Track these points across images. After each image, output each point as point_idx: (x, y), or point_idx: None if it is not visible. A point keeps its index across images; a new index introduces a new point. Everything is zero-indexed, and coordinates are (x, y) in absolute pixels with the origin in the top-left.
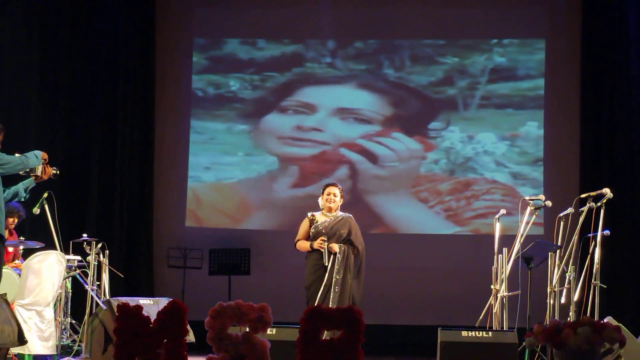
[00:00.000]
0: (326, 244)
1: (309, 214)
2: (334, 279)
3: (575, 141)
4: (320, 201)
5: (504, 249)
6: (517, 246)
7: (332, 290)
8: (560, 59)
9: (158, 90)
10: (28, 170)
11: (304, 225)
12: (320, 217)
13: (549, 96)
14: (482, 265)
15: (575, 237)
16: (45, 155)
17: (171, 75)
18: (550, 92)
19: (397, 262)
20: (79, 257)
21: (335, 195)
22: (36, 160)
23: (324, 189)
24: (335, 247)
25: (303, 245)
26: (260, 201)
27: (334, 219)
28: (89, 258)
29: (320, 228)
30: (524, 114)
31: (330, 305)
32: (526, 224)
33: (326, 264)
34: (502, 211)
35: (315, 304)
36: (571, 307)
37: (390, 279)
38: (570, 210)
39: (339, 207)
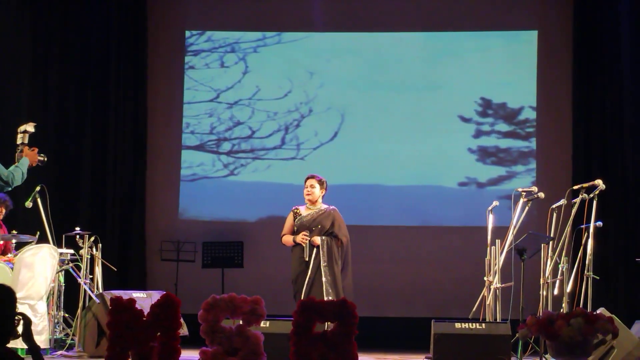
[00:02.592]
0: (308, 238)
1: (294, 208)
2: (321, 271)
3: (567, 133)
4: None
5: (496, 240)
6: (510, 238)
7: (317, 282)
8: (552, 51)
9: (150, 81)
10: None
11: (289, 219)
12: (304, 210)
13: (540, 88)
14: (475, 257)
15: (567, 229)
16: (35, 150)
17: (164, 66)
18: (541, 84)
19: (389, 253)
20: (71, 251)
21: (312, 187)
22: (22, 176)
23: (305, 181)
24: (317, 239)
25: (287, 239)
26: (253, 193)
27: (317, 212)
28: (81, 251)
29: (304, 221)
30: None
31: (324, 297)
32: (519, 215)
33: (306, 259)
34: (495, 203)
35: (302, 298)
36: (564, 298)
37: (382, 271)
38: (562, 201)
39: (320, 199)
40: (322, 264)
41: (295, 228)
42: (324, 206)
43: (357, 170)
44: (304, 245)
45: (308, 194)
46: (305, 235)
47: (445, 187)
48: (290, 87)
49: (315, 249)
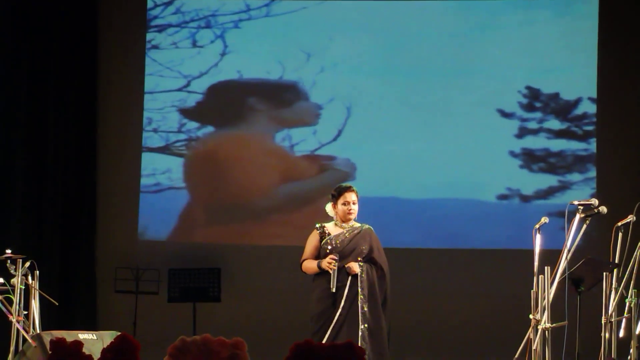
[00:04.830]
0: (336, 263)
1: (318, 225)
2: (357, 310)
3: (636, 131)
4: (330, 210)
5: (546, 267)
6: (563, 264)
7: (351, 323)
8: (619, 26)
9: (102, 64)
10: None
11: (312, 239)
12: (333, 229)
13: (602, 75)
14: (518, 289)
15: (637, 253)
16: None
17: (119, 45)
18: (604, 70)
19: (406, 284)
20: (0, 280)
21: (354, 203)
22: None
23: (338, 195)
24: (355, 266)
25: (310, 265)
26: (233, 207)
27: (351, 231)
28: (13, 280)
29: (335, 243)
30: None
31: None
32: (574, 236)
33: (332, 289)
34: (543, 220)
35: (325, 340)
36: (632, 342)
37: (398, 307)
38: (631, 218)
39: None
40: (361, 298)
41: (322, 252)
42: (358, 224)
43: (368, 179)
44: (331, 272)
45: (349, 212)
46: (333, 258)
47: (481, 201)
48: (281, 72)
49: (349, 279)
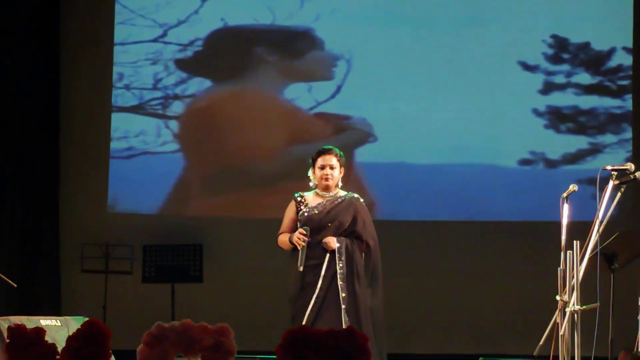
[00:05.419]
0: (306, 238)
1: (297, 195)
2: (337, 288)
3: None
4: (311, 175)
5: (575, 242)
6: (594, 238)
7: (330, 303)
8: None
9: (64, 12)
10: None
11: (289, 211)
12: (312, 199)
13: (637, 19)
14: (543, 266)
15: None
16: None
17: (83, 3)
18: None
19: (417, 261)
20: None
21: (332, 168)
22: None
23: (315, 158)
24: (332, 241)
25: (284, 239)
26: (218, 175)
27: (332, 201)
28: None
29: (312, 214)
30: None
31: (340, 325)
32: (607, 206)
33: (300, 269)
34: (572, 188)
35: (304, 323)
36: None
37: (407, 287)
38: None
39: (339, 184)
40: (339, 276)
41: (298, 224)
42: (342, 193)
43: (371, 142)
44: (300, 248)
45: (326, 178)
46: (302, 232)
47: (500, 167)
48: (271, 19)
49: (327, 255)
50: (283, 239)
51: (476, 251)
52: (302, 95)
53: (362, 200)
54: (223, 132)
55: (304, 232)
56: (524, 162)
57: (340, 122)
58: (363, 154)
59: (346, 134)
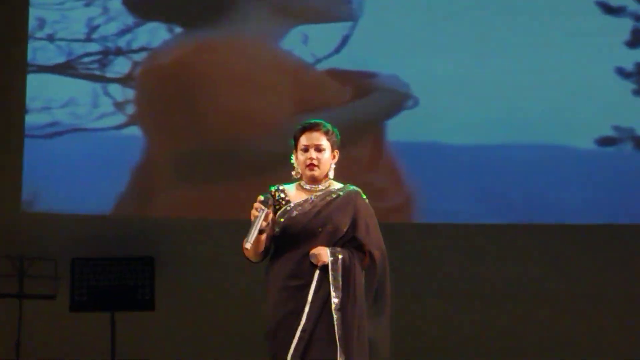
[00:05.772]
0: (265, 208)
1: (273, 188)
2: (329, 314)
3: None
4: (294, 161)
5: None
6: None
7: (320, 335)
8: None
9: None
10: None
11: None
12: (295, 194)
13: None
14: (636, 286)
15: None
16: None
17: None
18: None
19: (446, 276)
20: None
21: (320, 150)
22: None
23: (297, 137)
24: (323, 253)
25: (250, 247)
26: (179, 160)
27: (323, 197)
28: None
29: (295, 215)
30: None
31: None
32: None
33: (247, 246)
34: None
35: None
36: None
37: (443, 312)
38: None
39: (331, 174)
40: (333, 304)
41: (276, 228)
42: (337, 186)
43: (409, 109)
44: (252, 219)
45: (310, 165)
46: (260, 201)
47: (570, 149)
48: None
49: (317, 274)
50: (249, 247)
51: (537, 266)
52: (307, 45)
53: (364, 195)
54: (192, 100)
55: (263, 200)
56: (605, 141)
57: (362, 81)
58: (398, 129)
59: (372, 99)
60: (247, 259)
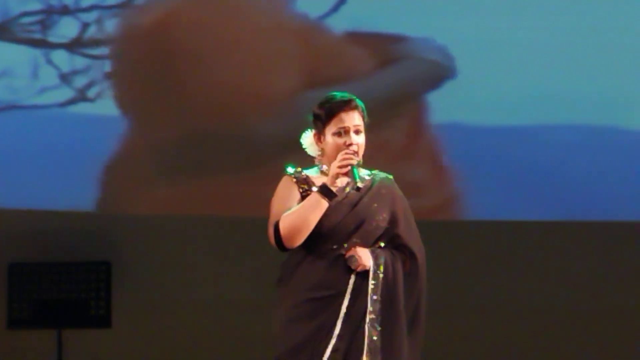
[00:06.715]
0: (356, 156)
1: (292, 171)
2: (364, 337)
3: None
4: (311, 144)
5: None
6: None
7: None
8: None
9: None
10: None
11: (286, 191)
12: (319, 182)
13: None
14: None
15: None
16: None
17: None
18: None
19: (489, 290)
20: None
21: (358, 132)
22: None
23: (327, 115)
24: (365, 256)
25: (298, 212)
26: (148, 151)
27: (360, 186)
28: None
29: (334, 205)
30: None
31: None
32: None
33: (359, 185)
34: None
35: None
36: None
37: (473, 327)
38: None
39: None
40: (371, 315)
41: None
42: (365, 173)
43: (451, 80)
44: (348, 170)
45: (349, 154)
46: (349, 150)
47: (626, 132)
48: None
49: (352, 280)
50: (294, 214)
51: (589, 269)
52: (322, 3)
53: (395, 182)
54: (172, 70)
55: (352, 148)
56: None
57: (388, 46)
58: (440, 106)
59: (404, 67)
60: (287, 238)
